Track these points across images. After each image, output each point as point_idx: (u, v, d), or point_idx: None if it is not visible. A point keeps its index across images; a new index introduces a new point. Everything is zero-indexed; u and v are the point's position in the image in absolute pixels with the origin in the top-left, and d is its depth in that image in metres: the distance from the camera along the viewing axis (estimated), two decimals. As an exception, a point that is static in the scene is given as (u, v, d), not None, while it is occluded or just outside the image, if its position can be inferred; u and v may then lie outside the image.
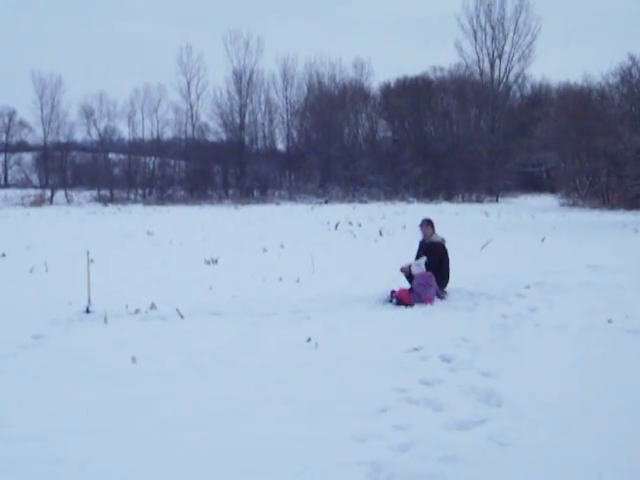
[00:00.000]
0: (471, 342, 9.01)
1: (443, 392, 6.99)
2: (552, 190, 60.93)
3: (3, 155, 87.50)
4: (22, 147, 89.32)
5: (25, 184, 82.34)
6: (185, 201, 66.44)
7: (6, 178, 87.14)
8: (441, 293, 12.31)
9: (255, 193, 73.30)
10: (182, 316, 10.90)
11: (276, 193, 73.35)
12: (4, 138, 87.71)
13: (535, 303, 11.76)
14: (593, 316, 10.59)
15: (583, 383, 7.26)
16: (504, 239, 23.21)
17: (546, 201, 56.17)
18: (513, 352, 8.51)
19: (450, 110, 73.65)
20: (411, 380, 7.37)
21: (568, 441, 5.71)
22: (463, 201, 61.87)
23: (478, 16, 70.73)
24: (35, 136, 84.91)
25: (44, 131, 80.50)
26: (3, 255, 20.06)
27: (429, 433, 5.89)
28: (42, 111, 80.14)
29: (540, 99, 75.06)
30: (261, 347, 8.96)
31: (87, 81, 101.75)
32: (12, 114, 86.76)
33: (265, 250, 20.90)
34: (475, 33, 71.20)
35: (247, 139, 79.12)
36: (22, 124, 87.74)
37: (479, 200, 61.79)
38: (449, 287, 12.65)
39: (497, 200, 62.11)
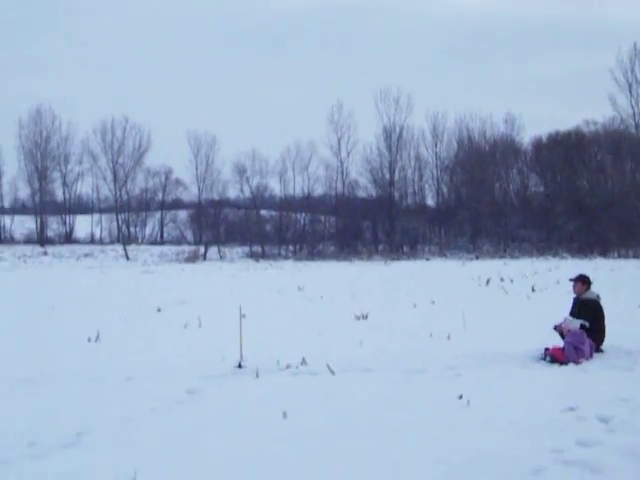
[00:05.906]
0: (631, 402, 8.66)
1: (601, 454, 6.73)
2: None
3: (159, 212, 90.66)
4: (177, 204, 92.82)
5: (180, 240, 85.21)
6: (335, 256, 67.00)
7: (162, 235, 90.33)
8: (596, 351, 11.95)
9: (405, 248, 73.38)
10: (332, 372, 10.92)
11: (426, 248, 73.31)
12: (161, 196, 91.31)
13: (700, 363, 11.24)
14: None
15: None
16: (664, 296, 22.36)
17: None
18: (676, 414, 8.13)
19: (604, 164, 72.14)
20: (567, 441, 7.13)
21: None
22: (619, 257, 60.03)
23: (633, 69, 69.48)
24: (190, 194, 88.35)
25: (199, 189, 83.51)
26: (159, 310, 20.63)
27: (587, 497, 5.68)
28: (197, 169, 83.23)
29: (701, 151, 72.53)
30: (411, 404, 8.86)
31: (240, 140, 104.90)
32: (169, 173, 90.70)
33: (415, 305, 20.80)
34: (630, 86, 69.80)
35: (397, 195, 79.64)
36: (178, 182, 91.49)
37: (636, 256, 59.81)
38: (605, 345, 12.27)
39: (656, 256, 60.07)
